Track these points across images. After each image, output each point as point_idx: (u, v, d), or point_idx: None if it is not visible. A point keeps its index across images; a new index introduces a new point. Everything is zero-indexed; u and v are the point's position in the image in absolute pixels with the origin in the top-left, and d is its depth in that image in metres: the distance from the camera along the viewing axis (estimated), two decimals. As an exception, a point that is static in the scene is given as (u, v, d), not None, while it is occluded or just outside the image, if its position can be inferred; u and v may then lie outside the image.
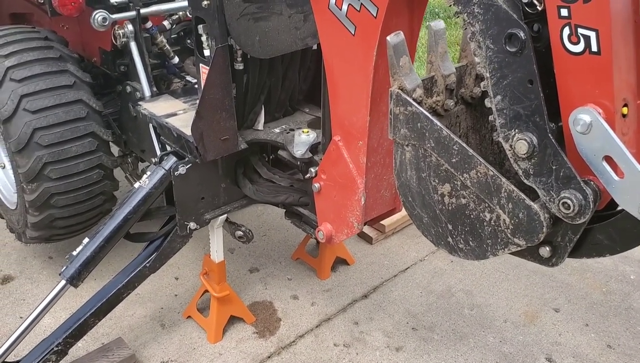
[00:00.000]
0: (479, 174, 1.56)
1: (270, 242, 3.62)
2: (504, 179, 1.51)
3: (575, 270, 3.43)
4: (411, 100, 1.65)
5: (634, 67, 1.39)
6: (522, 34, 1.40)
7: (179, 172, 2.39)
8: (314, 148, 2.36)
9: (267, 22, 2.26)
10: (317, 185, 2.28)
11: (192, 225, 2.53)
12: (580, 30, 1.33)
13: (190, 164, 2.41)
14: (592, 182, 1.41)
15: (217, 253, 2.75)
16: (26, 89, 2.61)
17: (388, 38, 1.64)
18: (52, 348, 2.44)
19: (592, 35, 1.32)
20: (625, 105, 1.38)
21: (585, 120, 1.35)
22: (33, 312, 2.44)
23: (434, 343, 2.92)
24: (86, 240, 2.44)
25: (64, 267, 2.43)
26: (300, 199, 2.50)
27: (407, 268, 3.42)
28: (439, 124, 1.61)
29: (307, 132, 2.43)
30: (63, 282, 2.42)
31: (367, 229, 3.61)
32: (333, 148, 2.16)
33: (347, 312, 3.10)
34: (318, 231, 2.33)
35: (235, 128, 2.36)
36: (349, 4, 1.86)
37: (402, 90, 1.67)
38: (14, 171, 2.79)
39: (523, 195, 1.48)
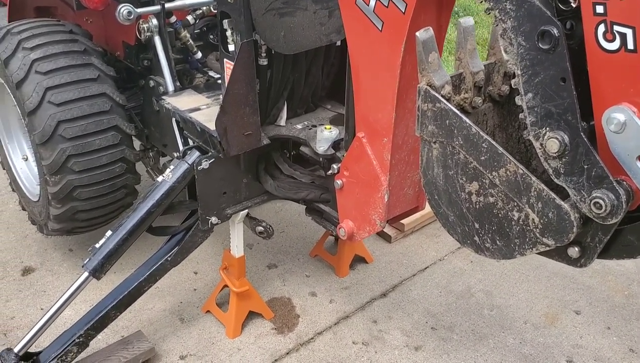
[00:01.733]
0: (508, 172, 1.54)
1: (288, 238, 3.62)
2: (534, 178, 1.49)
3: (596, 273, 3.39)
4: (440, 97, 1.64)
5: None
6: (555, 31, 1.38)
7: (202, 166, 2.40)
8: (336, 144, 2.36)
9: (293, 18, 2.25)
10: (339, 182, 2.28)
11: (213, 219, 2.54)
12: (616, 28, 1.31)
13: (213, 159, 2.41)
14: (624, 182, 1.39)
15: (237, 249, 2.75)
16: (51, 81, 2.63)
17: (417, 34, 1.63)
18: (74, 340, 2.45)
19: (629, 32, 1.29)
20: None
21: (619, 119, 1.33)
22: (55, 303, 2.46)
23: (454, 343, 2.90)
24: (109, 232, 2.45)
25: (87, 259, 2.45)
26: (321, 196, 2.50)
27: (426, 268, 3.40)
28: (468, 121, 1.60)
29: (330, 128, 2.43)
30: (86, 274, 2.43)
31: (386, 228, 3.58)
32: (357, 145, 2.15)
33: (366, 310, 3.09)
34: (339, 228, 2.33)
35: (259, 123, 2.36)
36: (377, 0, 1.85)
37: (430, 86, 1.66)
38: (38, 163, 2.82)
39: (553, 195, 1.46)
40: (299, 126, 2.55)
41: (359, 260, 3.40)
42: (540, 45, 1.42)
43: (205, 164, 2.40)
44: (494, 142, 1.55)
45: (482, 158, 1.58)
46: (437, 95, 1.64)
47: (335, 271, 3.33)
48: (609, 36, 1.33)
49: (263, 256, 3.47)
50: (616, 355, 2.85)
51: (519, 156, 1.84)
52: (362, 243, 3.39)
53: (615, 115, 1.34)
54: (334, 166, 2.31)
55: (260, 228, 2.68)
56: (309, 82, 2.57)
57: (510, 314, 3.08)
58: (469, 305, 3.13)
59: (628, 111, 1.32)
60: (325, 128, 2.43)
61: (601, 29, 1.34)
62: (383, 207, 2.17)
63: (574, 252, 1.55)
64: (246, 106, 2.28)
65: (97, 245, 2.44)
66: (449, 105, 1.63)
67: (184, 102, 2.65)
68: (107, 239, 2.44)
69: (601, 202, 1.38)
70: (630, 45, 1.30)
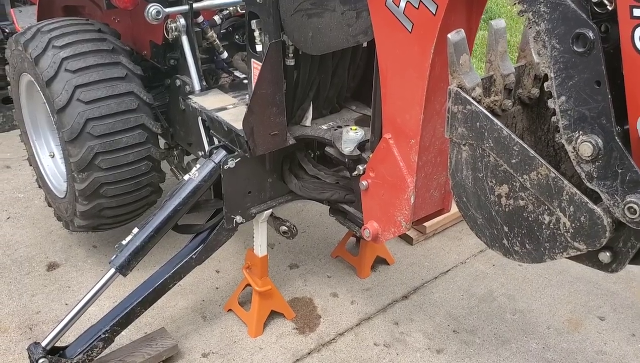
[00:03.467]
0: (539, 175, 1.53)
1: (310, 239, 3.63)
2: (566, 181, 1.48)
3: (621, 279, 3.35)
4: (470, 99, 1.64)
5: None
6: (591, 34, 1.37)
7: (228, 165, 2.41)
8: (362, 145, 2.35)
9: (320, 19, 2.26)
10: (364, 183, 2.28)
11: (238, 218, 2.55)
12: (655, 31, 1.30)
13: (239, 158, 2.43)
14: (660, 187, 1.37)
15: (260, 248, 2.77)
16: (80, 79, 2.66)
17: (449, 35, 1.63)
18: (100, 335, 2.48)
19: (671, 35, 1.28)
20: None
21: (659, 125, 1.32)
22: (82, 299, 2.49)
23: (476, 347, 2.88)
24: (136, 230, 2.48)
25: (114, 256, 2.47)
26: (345, 196, 2.50)
27: (448, 270, 3.39)
28: (499, 123, 1.59)
29: (355, 129, 2.43)
30: (112, 271, 2.46)
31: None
32: (383, 146, 2.15)
33: (387, 312, 3.08)
34: (364, 229, 2.33)
35: (285, 123, 2.37)
36: (407, 2, 1.85)
37: (461, 88, 1.66)
38: (65, 160, 2.85)
39: (586, 198, 1.45)
40: (324, 127, 2.56)
41: (381, 261, 3.40)
42: (575, 48, 1.41)
43: (231, 163, 2.41)
44: (525, 145, 1.54)
45: (513, 161, 1.58)
46: (467, 97, 1.64)
47: (357, 272, 3.33)
48: (649, 39, 1.32)
49: (285, 256, 3.48)
50: (641, 363, 2.82)
51: (547, 160, 1.82)
52: (383, 245, 3.39)
53: (656, 119, 1.33)
54: (360, 167, 2.31)
55: (284, 228, 2.69)
56: (334, 83, 2.57)
57: (533, 319, 3.06)
58: (491, 308, 3.12)
59: (665, 115, 1.31)
60: (351, 129, 2.42)
61: (638, 32, 1.33)
62: (409, 209, 2.16)
63: (605, 257, 1.53)
64: (273, 106, 2.29)
65: (124, 242, 2.47)
66: (480, 107, 1.62)
67: (210, 102, 2.67)
68: (134, 236, 2.46)
69: (635, 207, 1.36)
70: (672, 49, 1.29)
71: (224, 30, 3.09)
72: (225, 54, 3.01)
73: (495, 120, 1.60)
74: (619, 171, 1.40)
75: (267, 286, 2.84)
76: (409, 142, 2.07)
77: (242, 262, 3.05)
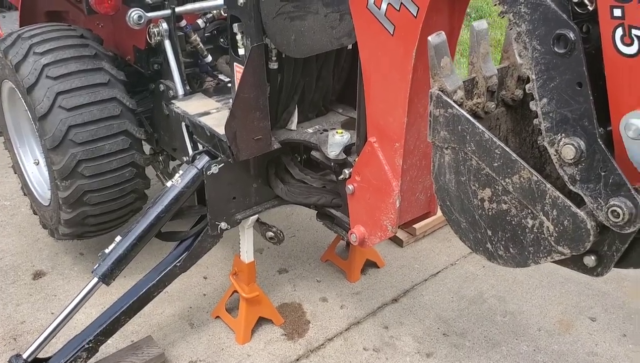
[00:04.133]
0: (522, 178, 1.51)
1: (299, 243, 3.60)
2: (548, 185, 1.46)
3: (612, 279, 3.34)
4: (452, 102, 1.61)
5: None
6: (571, 35, 1.35)
7: (211, 171, 2.38)
8: (347, 149, 2.33)
9: (303, 21, 2.23)
10: (350, 187, 2.25)
11: (223, 225, 2.52)
12: (634, 32, 1.28)
13: (222, 164, 2.39)
14: (644, 190, 1.35)
15: (247, 254, 2.73)
16: (62, 86, 2.63)
17: (429, 38, 1.60)
18: (83, 346, 2.45)
19: (648, 35, 1.26)
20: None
21: (638, 126, 1.30)
22: (65, 309, 2.45)
23: (466, 350, 2.86)
24: (118, 238, 2.45)
25: (97, 265, 2.44)
26: (332, 201, 2.47)
27: (438, 272, 3.36)
28: (481, 127, 1.56)
29: (341, 132, 2.40)
30: (95, 280, 2.43)
31: (397, 232, 3.56)
32: (368, 149, 2.12)
33: (377, 315, 3.06)
34: (351, 234, 2.30)
35: (269, 128, 2.35)
36: (389, 3, 1.82)
37: (442, 91, 1.63)
38: (48, 168, 2.82)
39: (569, 202, 1.42)
40: (310, 130, 2.53)
41: (371, 264, 3.37)
42: (556, 49, 1.38)
43: (214, 169, 2.38)
44: (507, 148, 1.52)
45: (495, 164, 1.55)
46: (449, 100, 1.61)
47: (347, 276, 3.30)
48: (627, 40, 1.29)
49: (274, 261, 3.45)
50: (632, 363, 2.80)
51: (532, 161, 1.80)
52: (373, 248, 3.36)
53: (634, 121, 1.30)
54: (346, 171, 2.28)
55: (270, 234, 2.66)
56: (319, 86, 2.54)
57: (523, 321, 3.04)
58: (481, 311, 3.09)
59: (646, 116, 1.29)
60: (337, 132, 2.40)
61: (619, 32, 1.30)
62: (395, 213, 2.14)
63: (590, 260, 1.51)
64: (256, 110, 2.26)
65: (107, 251, 2.43)
66: (462, 110, 1.60)
67: (194, 106, 2.64)
68: (117, 245, 2.43)
69: (619, 210, 1.34)
70: (650, 49, 1.27)
71: (208, 34, 3.06)
72: (209, 58, 2.98)
73: (477, 124, 1.57)
74: (602, 174, 1.38)
75: (254, 292, 2.81)
76: (394, 146, 2.05)
77: (230, 268, 3.02)
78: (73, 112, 2.62)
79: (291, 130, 2.54)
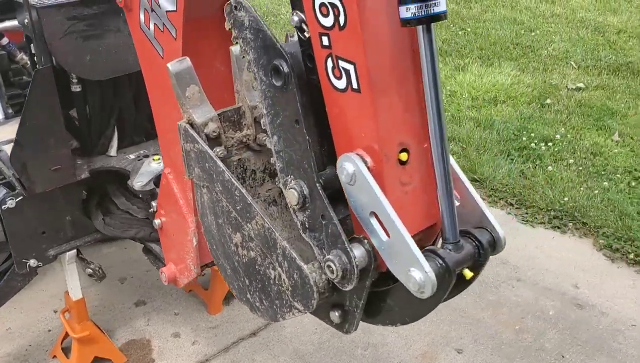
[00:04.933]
0: (257, 225, 1.34)
1: (166, 271, 3.38)
2: (277, 234, 1.29)
3: (490, 305, 3.22)
4: (197, 137, 1.44)
5: (417, 106, 1.18)
6: (284, 66, 1.19)
7: (6, 206, 2.16)
8: (158, 179, 2.14)
9: (101, 41, 2.04)
10: (157, 221, 2.07)
11: (32, 262, 2.30)
12: (341, 63, 1.13)
13: (20, 197, 2.17)
14: (366, 241, 1.19)
15: (73, 291, 2.51)
16: None
17: (168, 65, 1.44)
18: None
19: (351, 69, 1.11)
20: (405, 150, 1.17)
21: (348, 170, 1.14)
22: None
23: (317, 388, 2.69)
24: None
25: None
26: (151, 234, 2.28)
27: (306, 302, 3.18)
28: (222, 165, 1.40)
29: (159, 159, 2.22)
30: None
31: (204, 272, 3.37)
32: (164, 181, 1.94)
33: (230, 352, 2.86)
34: (161, 272, 2.11)
35: (70, 156, 2.14)
36: (154, 24, 1.65)
37: (191, 124, 1.46)
38: None
39: (294, 254, 1.26)
40: (132, 156, 2.34)
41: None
42: (274, 82, 1.22)
43: (10, 203, 2.16)
44: (244, 191, 1.35)
45: (238, 207, 1.39)
46: (195, 134, 1.44)
47: (207, 308, 3.10)
48: (337, 72, 1.14)
49: (134, 291, 3.23)
50: (490, 399, 2.66)
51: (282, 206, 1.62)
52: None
53: (345, 164, 1.15)
54: (154, 203, 2.09)
55: (89, 271, 2.45)
56: (141, 108, 2.35)
57: (384, 354, 2.88)
58: (342, 344, 2.92)
59: (356, 160, 1.13)
60: (154, 159, 2.22)
61: (330, 64, 1.15)
62: (194, 251, 1.95)
63: (335, 316, 1.35)
64: (51, 137, 2.06)
65: None
66: (205, 146, 1.43)
67: (7, 132, 2.41)
68: None
69: (332, 265, 1.18)
70: (355, 84, 1.12)
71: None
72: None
73: (219, 162, 1.40)
74: (323, 222, 1.22)
75: (84, 331, 2.58)
76: (184, 178, 1.87)
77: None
78: None
79: (110, 156, 2.34)
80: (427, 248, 1.14)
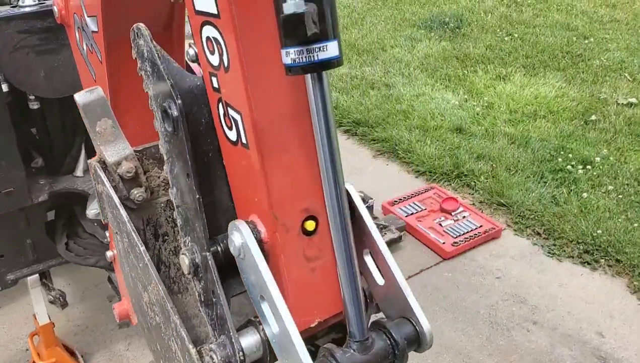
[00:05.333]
0: (154, 291, 1.14)
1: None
2: (170, 306, 1.08)
3: (499, 350, 2.92)
4: (103, 178, 1.25)
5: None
6: (174, 110, 0.97)
7: (-43, 229, 2.04)
8: (117, 206, 1.96)
9: (57, 56, 1.88)
10: (109, 253, 1.88)
11: (-11, 286, 2.18)
12: (230, 112, 0.91)
13: (-27, 219, 2.05)
14: (262, 327, 0.97)
15: (39, 315, 2.38)
16: None
17: (75, 96, 1.25)
18: None
19: (239, 119, 0.89)
20: (312, 217, 0.94)
21: (235, 241, 0.92)
22: None
23: None
24: None
25: None
26: (111, 264, 2.10)
27: None
28: (124, 214, 1.20)
29: (123, 184, 2.04)
30: None
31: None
32: (111, 213, 1.76)
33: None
34: (113, 308, 1.93)
35: (24, 178, 1.99)
36: (86, 45, 1.47)
37: (102, 163, 1.27)
38: None
39: (183, 333, 1.04)
40: (100, 178, 2.17)
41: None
42: (166, 126, 1.01)
43: (-39, 226, 2.04)
44: (142, 248, 1.15)
45: (140, 265, 1.19)
46: (103, 176, 1.25)
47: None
48: (228, 121, 0.93)
49: (122, 311, 3.08)
50: None
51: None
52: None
53: (234, 234, 0.93)
54: (107, 233, 1.92)
55: (50, 297, 2.30)
56: (111, 127, 2.18)
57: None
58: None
59: (244, 230, 0.91)
60: (117, 183, 2.04)
61: (221, 110, 0.93)
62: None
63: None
64: (1, 160, 1.91)
65: None
66: (110, 189, 1.23)
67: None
68: None
69: (214, 356, 0.96)
70: (243, 138, 0.90)
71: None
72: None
73: (122, 210, 1.21)
74: (214, 300, 1.00)
75: (50, 358, 2.44)
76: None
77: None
78: None
79: (77, 176, 2.19)
80: (324, 346, 0.91)
